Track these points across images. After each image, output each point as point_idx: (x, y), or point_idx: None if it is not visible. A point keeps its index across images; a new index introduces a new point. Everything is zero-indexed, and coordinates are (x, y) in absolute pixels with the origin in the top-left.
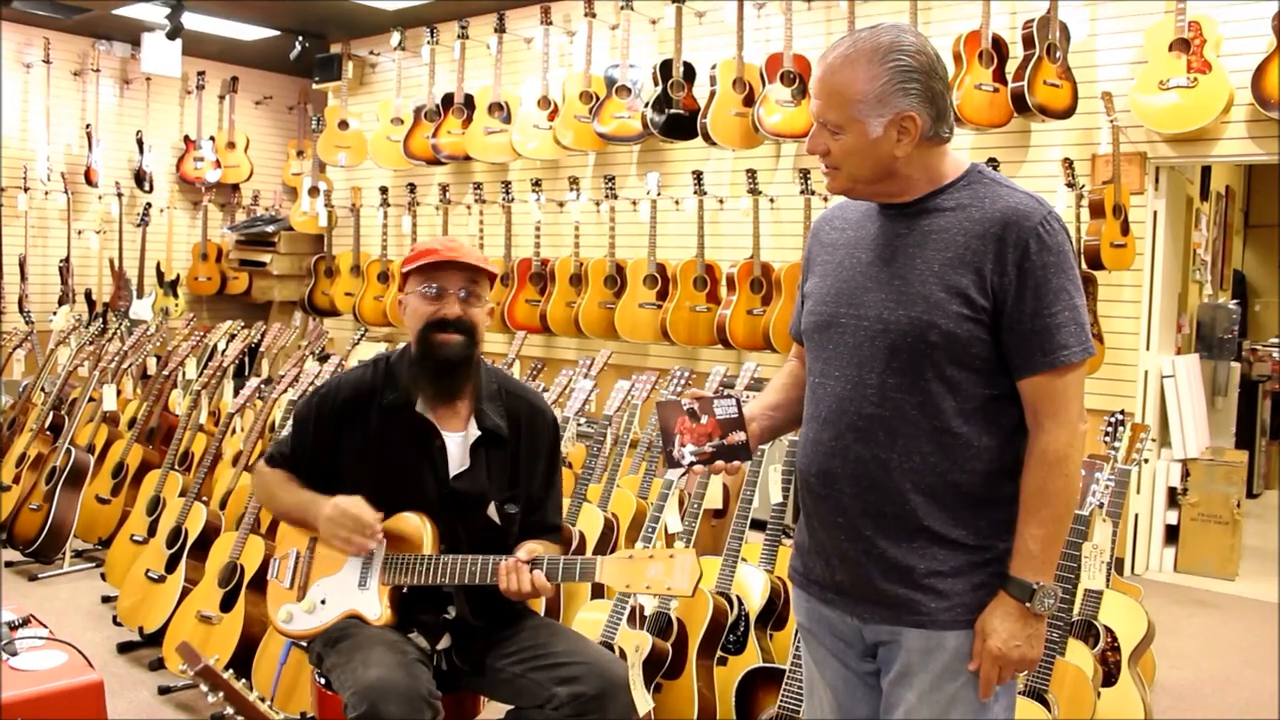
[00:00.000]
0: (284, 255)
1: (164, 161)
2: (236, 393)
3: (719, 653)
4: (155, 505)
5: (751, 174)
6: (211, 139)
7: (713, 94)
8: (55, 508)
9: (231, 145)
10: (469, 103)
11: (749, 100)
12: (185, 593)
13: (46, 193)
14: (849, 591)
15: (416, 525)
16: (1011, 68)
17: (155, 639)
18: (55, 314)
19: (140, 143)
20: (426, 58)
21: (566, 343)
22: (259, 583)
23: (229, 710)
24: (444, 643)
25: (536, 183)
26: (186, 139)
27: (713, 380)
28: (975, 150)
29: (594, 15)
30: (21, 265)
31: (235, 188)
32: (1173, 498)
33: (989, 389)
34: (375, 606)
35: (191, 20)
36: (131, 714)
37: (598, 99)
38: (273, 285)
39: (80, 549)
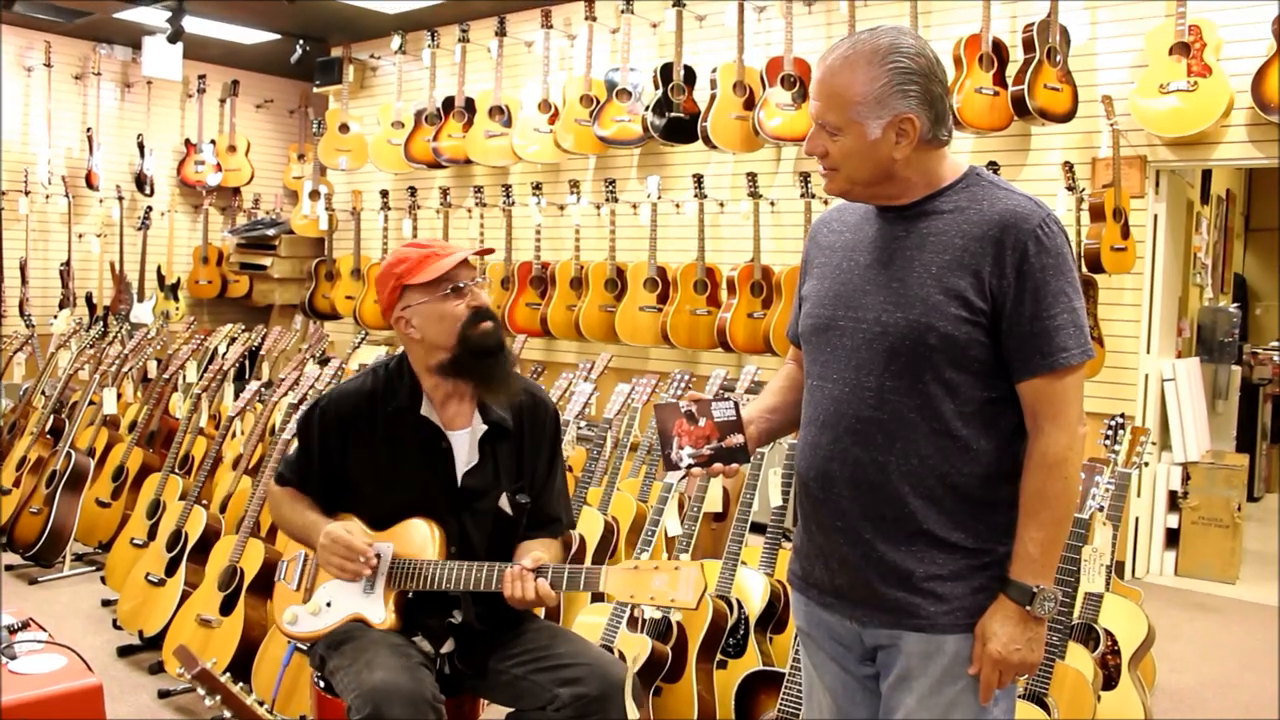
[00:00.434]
0: (285, 259)
1: (165, 165)
2: (237, 396)
3: (719, 656)
4: (155, 509)
5: (752, 177)
6: (212, 142)
7: (713, 97)
8: (55, 511)
9: (232, 149)
10: (470, 106)
11: (749, 104)
12: (185, 596)
13: (47, 196)
14: (848, 595)
15: (424, 532)
16: (1012, 71)
17: (155, 643)
18: (56, 317)
19: (141, 146)
20: (427, 61)
21: (567, 346)
22: (259, 586)
23: (226, 714)
24: (447, 647)
25: (537, 186)
26: (187, 142)
27: (713, 383)
28: (976, 154)
29: (595, 19)
30: (22, 269)
31: (236, 191)
32: (1173, 501)
33: (988, 391)
34: (380, 611)
35: (192, 24)
36: (131, 718)
37: (598, 102)
38: (273, 289)
39: (80, 552)
